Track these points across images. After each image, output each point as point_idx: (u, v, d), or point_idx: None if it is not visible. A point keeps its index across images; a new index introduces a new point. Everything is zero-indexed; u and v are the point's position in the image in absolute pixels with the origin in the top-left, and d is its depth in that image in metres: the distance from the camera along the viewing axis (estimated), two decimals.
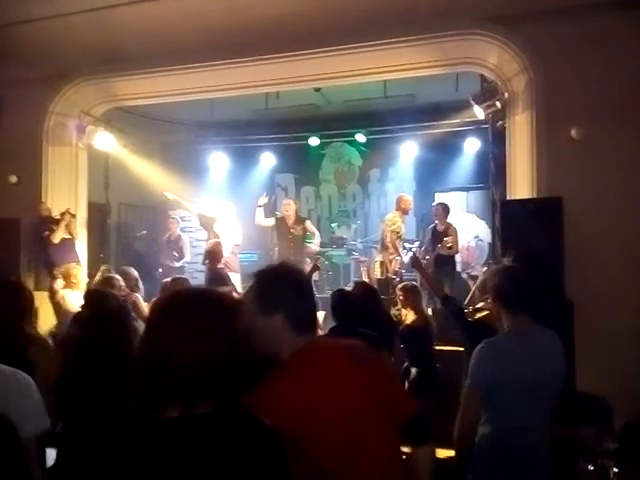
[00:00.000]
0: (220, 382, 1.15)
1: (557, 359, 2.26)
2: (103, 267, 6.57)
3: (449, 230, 6.80)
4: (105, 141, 6.67)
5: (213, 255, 5.58)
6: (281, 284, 1.59)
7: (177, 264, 7.94)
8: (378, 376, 1.57)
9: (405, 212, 7.18)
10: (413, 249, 7.29)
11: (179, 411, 1.13)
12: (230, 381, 1.17)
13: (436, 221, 6.96)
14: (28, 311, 2.50)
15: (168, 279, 5.43)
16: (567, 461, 2.42)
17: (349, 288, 4.24)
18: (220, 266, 5.64)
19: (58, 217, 6.19)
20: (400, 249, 7.01)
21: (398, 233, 6.97)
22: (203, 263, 6.00)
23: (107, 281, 4.50)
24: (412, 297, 4.39)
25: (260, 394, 1.37)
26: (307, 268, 7.18)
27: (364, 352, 1.62)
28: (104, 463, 1.13)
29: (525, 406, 2.14)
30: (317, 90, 7.40)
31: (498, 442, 2.14)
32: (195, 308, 1.20)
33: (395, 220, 7.01)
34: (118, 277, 4.64)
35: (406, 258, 7.24)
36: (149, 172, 8.10)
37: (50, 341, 2.78)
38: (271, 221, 7.14)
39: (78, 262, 6.25)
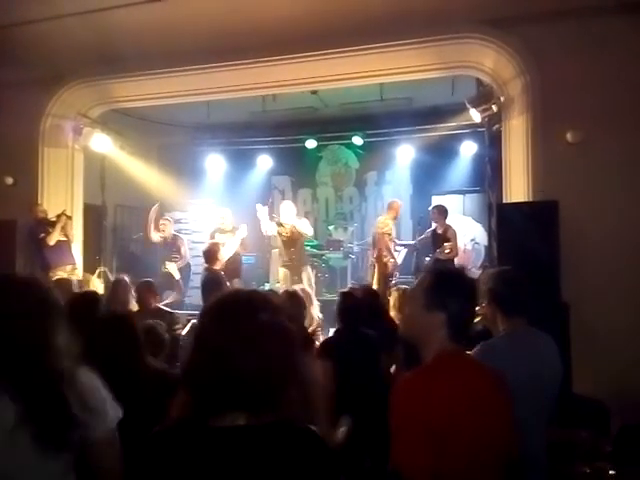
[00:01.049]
0: (284, 389, 1.11)
1: (553, 361, 2.27)
2: (99, 269, 6.58)
3: (448, 233, 6.80)
4: (101, 143, 6.66)
5: (208, 255, 5.54)
6: (455, 286, 1.61)
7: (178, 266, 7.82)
8: (505, 409, 1.60)
9: (395, 216, 7.27)
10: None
11: (245, 419, 1.09)
12: (291, 388, 1.13)
13: (435, 224, 6.98)
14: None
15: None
16: (564, 464, 2.42)
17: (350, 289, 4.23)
18: (217, 267, 5.61)
19: (54, 219, 6.17)
20: (393, 251, 7.06)
21: (390, 235, 7.03)
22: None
23: (59, 283, 4.46)
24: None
25: (404, 387, 1.48)
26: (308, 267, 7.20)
27: (504, 381, 1.66)
28: (151, 468, 1.09)
29: (522, 408, 2.14)
30: (314, 93, 7.42)
31: None
32: (254, 311, 1.15)
33: (386, 222, 7.08)
34: (74, 279, 4.61)
35: (399, 259, 7.31)
36: (145, 174, 8.08)
37: None
38: (273, 228, 7.10)
39: (74, 264, 6.24)
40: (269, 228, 6.89)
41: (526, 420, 2.14)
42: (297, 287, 4.18)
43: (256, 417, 1.09)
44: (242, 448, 1.07)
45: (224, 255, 5.80)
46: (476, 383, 1.55)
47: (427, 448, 1.41)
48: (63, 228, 6.17)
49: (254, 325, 1.12)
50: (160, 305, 4.57)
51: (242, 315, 1.13)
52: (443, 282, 1.63)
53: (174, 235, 7.92)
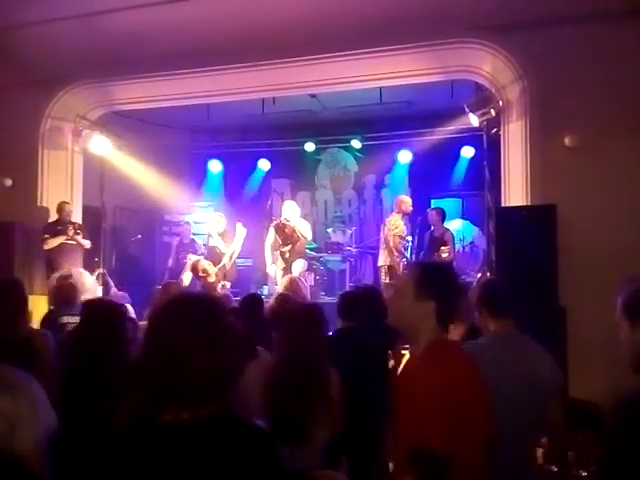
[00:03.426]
0: (226, 385, 1.17)
1: (537, 365, 2.29)
2: (98, 271, 6.57)
3: (445, 236, 6.78)
4: (101, 145, 6.65)
5: (193, 273, 6.50)
6: (443, 277, 1.76)
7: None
8: (485, 391, 1.71)
9: (406, 213, 7.19)
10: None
11: (188, 413, 1.13)
12: (232, 385, 1.19)
13: (433, 227, 6.97)
14: (25, 307, 2.52)
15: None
16: (560, 467, 2.43)
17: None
18: (210, 280, 6.34)
19: (68, 225, 6.17)
20: (404, 251, 7.02)
21: (401, 237, 6.97)
22: None
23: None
24: None
25: (416, 368, 1.63)
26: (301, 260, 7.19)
27: (479, 367, 1.80)
28: (104, 465, 1.14)
29: (505, 405, 2.16)
30: (313, 96, 7.44)
31: None
32: (210, 312, 1.21)
33: (397, 224, 6.99)
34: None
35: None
36: (144, 176, 8.09)
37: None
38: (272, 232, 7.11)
39: (69, 269, 6.23)
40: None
41: (509, 417, 2.16)
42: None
43: (198, 411, 1.14)
44: (188, 442, 1.11)
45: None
46: (469, 368, 1.68)
47: (444, 424, 1.52)
48: (72, 234, 6.17)
49: (208, 325, 1.17)
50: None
51: (197, 315, 1.19)
52: (432, 273, 1.76)
53: (192, 240, 8.07)
